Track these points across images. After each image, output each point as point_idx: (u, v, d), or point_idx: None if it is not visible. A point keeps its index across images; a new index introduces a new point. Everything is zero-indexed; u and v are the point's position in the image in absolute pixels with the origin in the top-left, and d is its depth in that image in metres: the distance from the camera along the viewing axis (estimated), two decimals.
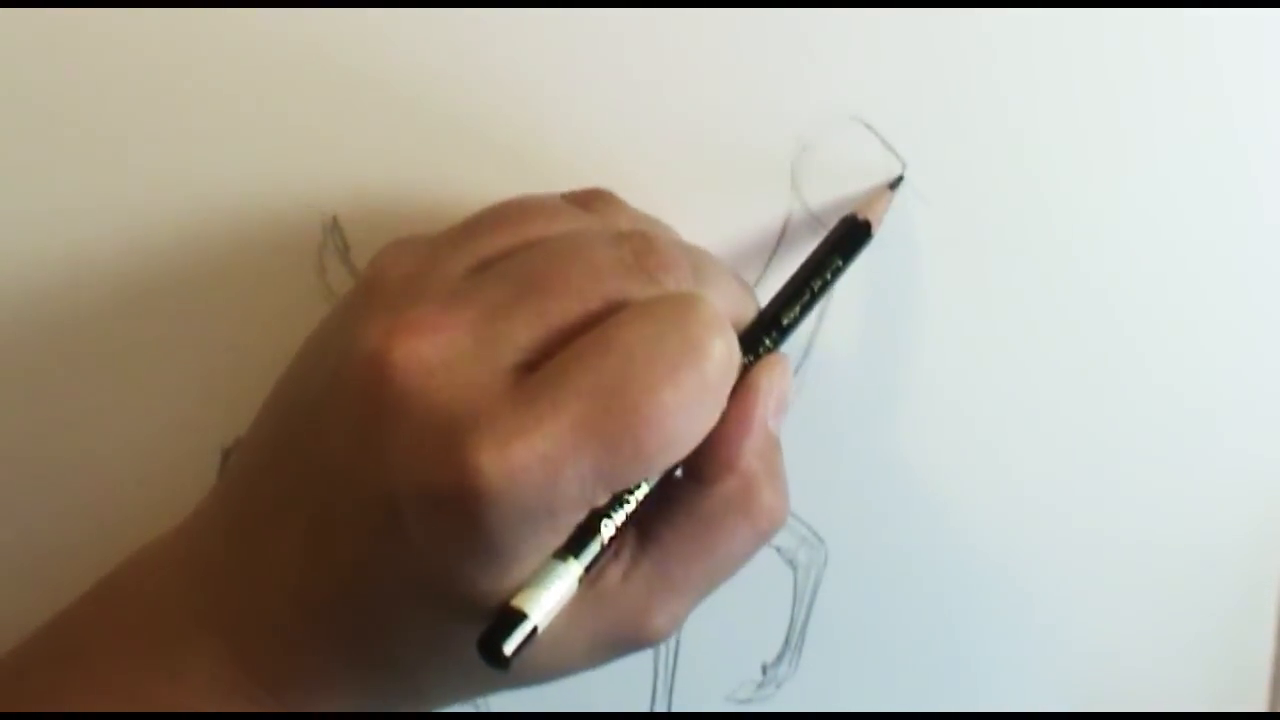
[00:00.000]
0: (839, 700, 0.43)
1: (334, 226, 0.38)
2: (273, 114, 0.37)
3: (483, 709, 0.42)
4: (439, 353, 0.30)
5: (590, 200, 0.35)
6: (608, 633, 0.32)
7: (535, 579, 0.30)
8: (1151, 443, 0.41)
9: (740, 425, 0.32)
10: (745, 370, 0.33)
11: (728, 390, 0.31)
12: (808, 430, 0.40)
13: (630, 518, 0.31)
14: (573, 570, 0.30)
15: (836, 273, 0.36)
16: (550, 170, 0.37)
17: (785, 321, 0.35)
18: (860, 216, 0.37)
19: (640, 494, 0.31)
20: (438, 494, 0.29)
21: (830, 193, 0.38)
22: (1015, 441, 0.41)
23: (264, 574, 0.32)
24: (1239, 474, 0.42)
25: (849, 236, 0.37)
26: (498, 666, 0.29)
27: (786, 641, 0.42)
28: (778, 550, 0.41)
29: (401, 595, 0.31)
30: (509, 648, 0.29)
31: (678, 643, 0.42)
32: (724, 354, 0.31)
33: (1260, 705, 0.44)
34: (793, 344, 0.39)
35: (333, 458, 0.31)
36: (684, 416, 0.30)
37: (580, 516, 0.30)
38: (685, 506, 0.32)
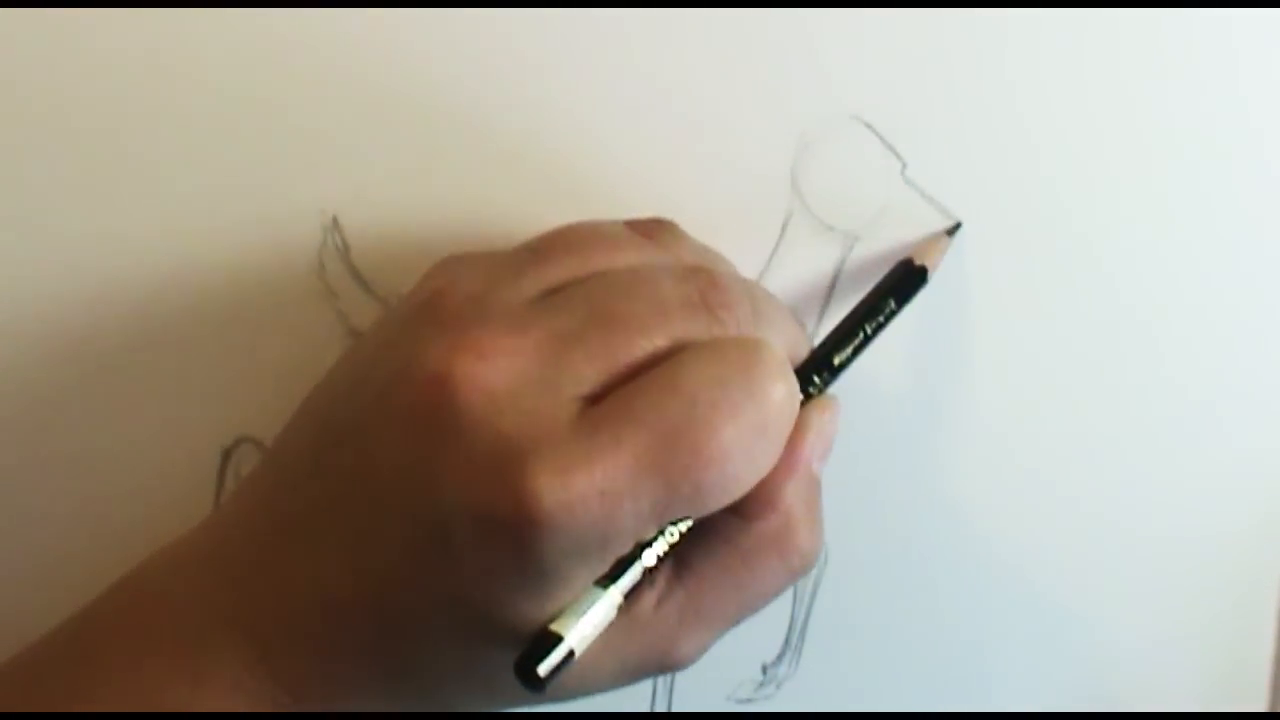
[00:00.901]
0: (839, 700, 0.43)
1: (334, 226, 0.38)
2: (273, 114, 0.37)
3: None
4: (503, 378, 0.30)
5: (653, 230, 0.35)
6: (636, 657, 0.32)
7: (575, 605, 0.30)
8: (1151, 442, 0.41)
9: (786, 465, 0.32)
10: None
11: (786, 435, 0.32)
12: None
13: (671, 549, 0.31)
14: (612, 598, 0.30)
15: (890, 316, 0.37)
16: (550, 170, 0.37)
17: (837, 362, 0.35)
18: (917, 262, 0.37)
19: (684, 526, 0.31)
20: (493, 518, 0.29)
21: (830, 193, 0.38)
22: (1015, 442, 0.41)
23: (297, 579, 0.32)
24: (1239, 474, 0.42)
25: (904, 281, 0.37)
26: (533, 689, 0.29)
27: (786, 641, 0.42)
28: None
29: (439, 613, 0.31)
30: (544, 670, 0.29)
31: None
32: (786, 400, 0.31)
33: (1260, 705, 0.44)
34: None
35: (383, 473, 0.31)
36: (744, 460, 0.30)
37: (629, 549, 0.30)
38: (724, 540, 0.33)
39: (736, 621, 0.34)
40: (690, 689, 0.42)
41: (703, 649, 0.33)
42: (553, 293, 0.32)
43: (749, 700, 0.43)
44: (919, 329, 0.40)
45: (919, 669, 0.43)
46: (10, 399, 0.39)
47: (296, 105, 0.37)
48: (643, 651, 0.32)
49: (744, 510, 0.32)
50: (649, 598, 0.32)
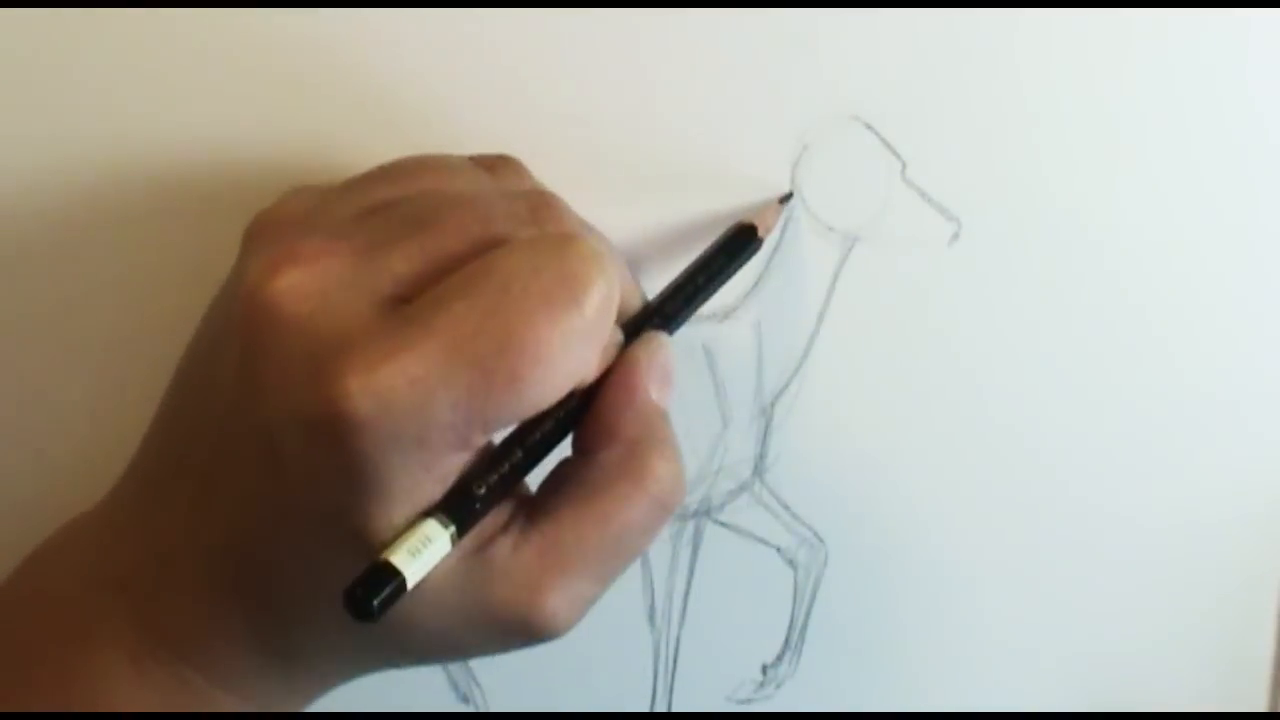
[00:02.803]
0: (839, 700, 0.43)
1: None
2: (273, 114, 0.37)
3: (482, 709, 0.42)
4: (316, 281, 0.29)
5: (495, 165, 0.35)
6: (500, 609, 0.31)
7: (407, 533, 0.29)
8: (1151, 442, 0.41)
9: (620, 395, 0.32)
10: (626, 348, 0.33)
11: (607, 329, 0.31)
12: (808, 431, 0.40)
13: (505, 482, 0.30)
14: (444, 526, 0.29)
15: (721, 273, 0.36)
16: (550, 169, 0.37)
17: (668, 310, 0.35)
18: (748, 223, 0.37)
19: (517, 459, 0.30)
20: (309, 420, 0.28)
21: (830, 193, 0.38)
22: (1015, 442, 0.41)
23: (163, 529, 0.32)
24: (1240, 474, 0.42)
25: (736, 241, 0.37)
26: (361, 618, 0.28)
27: (786, 641, 0.42)
28: (778, 550, 0.41)
29: (284, 531, 0.30)
30: (374, 599, 0.28)
31: (678, 642, 0.42)
32: (602, 290, 0.30)
33: (1260, 705, 0.44)
34: (792, 344, 0.40)
35: (220, 397, 0.31)
36: (559, 348, 0.29)
37: (456, 460, 0.29)
38: (575, 479, 0.32)
39: (612, 569, 0.32)
40: (690, 689, 0.42)
41: (574, 604, 0.31)
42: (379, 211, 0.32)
43: (749, 700, 0.43)
44: (918, 329, 0.40)
45: (919, 669, 0.43)
46: (10, 398, 0.39)
47: (296, 105, 0.37)
48: (505, 601, 0.31)
49: (586, 444, 0.32)
50: (505, 542, 0.31)
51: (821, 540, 0.41)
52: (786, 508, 0.41)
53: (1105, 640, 0.43)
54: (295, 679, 0.33)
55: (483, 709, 0.42)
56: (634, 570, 0.41)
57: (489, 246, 0.30)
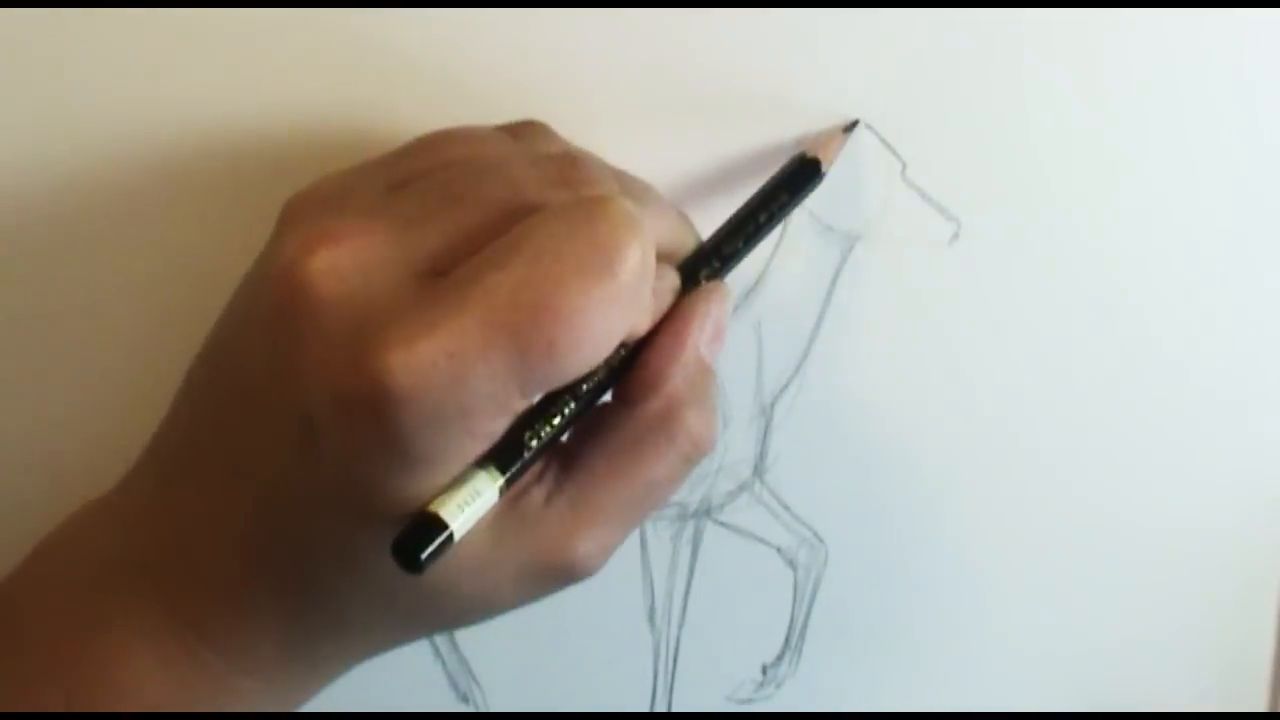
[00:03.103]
0: (839, 700, 0.43)
1: None
2: (273, 114, 0.37)
3: (482, 709, 0.42)
4: (352, 260, 0.29)
5: (521, 130, 0.35)
6: (533, 560, 0.31)
7: (453, 485, 0.29)
8: (1152, 442, 0.41)
9: (669, 347, 0.32)
10: (683, 298, 0.32)
11: (644, 292, 0.31)
12: (808, 431, 0.40)
13: (556, 432, 0.30)
14: (493, 477, 0.29)
15: (783, 208, 0.35)
16: None
17: (726, 252, 0.34)
18: (810, 154, 0.36)
19: (568, 410, 0.30)
20: (348, 397, 0.28)
21: (830, 193, 0.38)
22: (1015, 442, 0.41)
23: (187, 510, 0.32)
24: (1239, 474, 0.42)
25: (799, 174, 0.36)
26: (411, 570, 0.28)
27: (786, 641, 0.42)
28: (778, 550, 0.41)
29: (317, 509, 0.30)
30: (422, 549, 0.28)
31: (678, 642, 0.42)
32: (637, 253, 0.30)
33: (1260, 705, 0.44)
34: (792, 344, 0.40)
35: (252, 378, 0.31)
36: (596, 314, 0.29)
37: (499, 423, 0.30)
38: (610, 428, 0.32)
39: (637, 518, 0.33)
40: (690, 689, 0.42)
41: (605, 549, 0.32)
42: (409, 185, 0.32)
43: (749, 700, 0.43)
44: (919, 329, 0.40)
45: (919, 668, 0.43)
46: (10, 398, 0.39)
47: (297, 105, 0.37)
48: (539, 554, 0.31)
49: (627, 394, 0.32)
50: (538, 492, 0.31)
51: (821, 540, 0.41)
52: (786, 508, 0.41)
53: (1105, 640, 0.43)
54: (316, 660, 0.33)
55: (482, 709, 0.42)
56: (634, 570, 0.41)
57: (521, 213, 0.30)
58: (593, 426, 0.32)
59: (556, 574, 0.32)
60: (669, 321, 0.32)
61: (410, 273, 0.29)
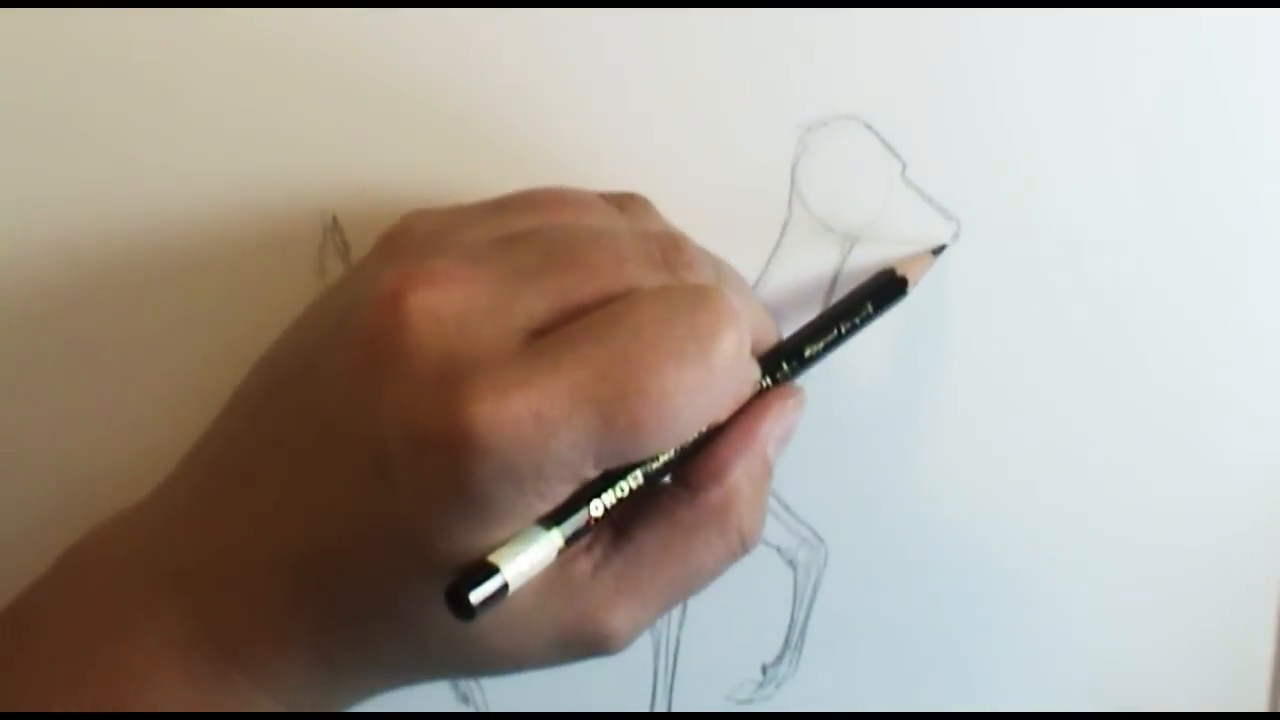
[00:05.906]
0: (839, 700, 0.43)
1: (334, 226, 0.38)
2: (273, 114, 0.37)
3: (482, 709, 0.42)
4: (452, 305, 0.29)
5: (625, 202, 0.35)
6: (568, 625, 0.32)
7: (514, 539, 0.29)
8: (1151, 443, 0.41)
9: (739, 441, 0.32)
10: (759, 393, 0.33)
11: (733, 386, 0.31)
12: (808, 432, 0.40)
13: (619, 504, 0.31)
14: (553, 539, 0.30)
15: (865, 319, 0.37)
16: (550, 170, 0.37)
17: (807, 353, 0.35)
18: (899, 273, 0.38)
19: (632, 482, 0.31)
20: (428, 438, 0.29)
21: (830, 193, 0.38)
22: (1015, 442, 0.41)
23: (232, 526, 0.32)
24: (1239, 475, 0.42)
25: (886, 289, 0.37)
26: (462, 616, 0.28)
27: (786, 641, 0.42)
28: (778, 550, 0.41)
29: (373, 546, 0.30)
30: (476, 597, 0.28)
31: (678, 643, 0.42)
32: (733, 346, 0.30)
33: (1260, 705, 0.44)
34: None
35: (327, 404, 0.31)
36: (684, 400, 0.30)
37: (568, 488, 0.30)
38: (666, 511, 0.32)
39: (673, 602, 0.33)
40: (690, 689, 0.42)
41: (636, 626, 0.32)
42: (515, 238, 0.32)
43: (749, 700, 0.43)
44: (919, 330, 0.40)
45: (919, 669, 0.43)
46: (10, 397, 0.39)
47: (296, 105, 0.37)
48: (576, 619, 0.31)
49: (690, 480, 0.32)
50: (586, 562, 0.32)
51: (821, 540, 0.41)
52: (786, 508, 0.41)
53: (1105, 640, 0.43)
54: (339, 689, 0.33)
55: (482, 709, 0.42)
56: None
57: (622, 288, 0.30)
58: (647, 504, 0.32)
59: (586, 644, 0.32)
60: (743, 415, 0.32)
61: (507, 328, 0.30)
